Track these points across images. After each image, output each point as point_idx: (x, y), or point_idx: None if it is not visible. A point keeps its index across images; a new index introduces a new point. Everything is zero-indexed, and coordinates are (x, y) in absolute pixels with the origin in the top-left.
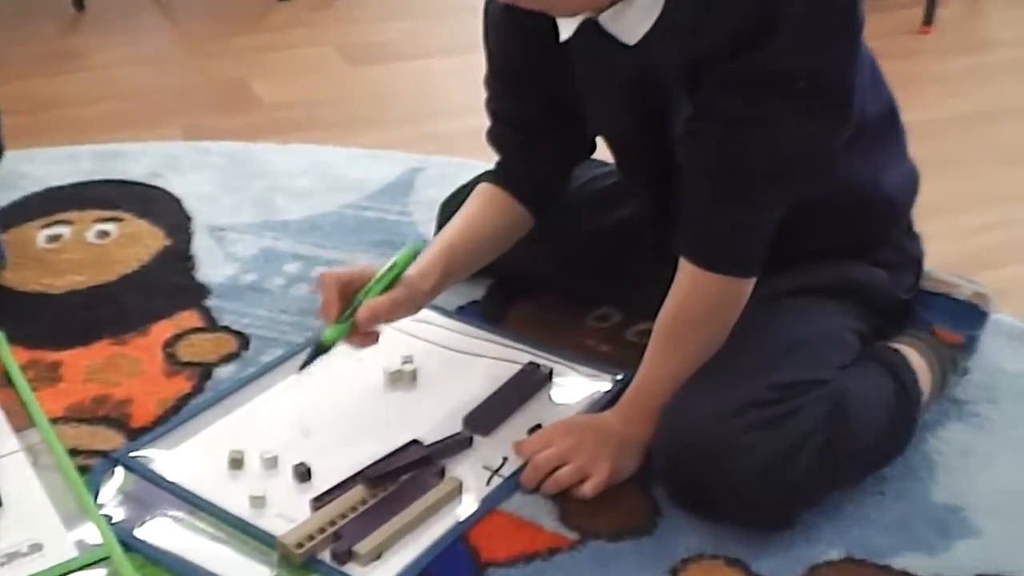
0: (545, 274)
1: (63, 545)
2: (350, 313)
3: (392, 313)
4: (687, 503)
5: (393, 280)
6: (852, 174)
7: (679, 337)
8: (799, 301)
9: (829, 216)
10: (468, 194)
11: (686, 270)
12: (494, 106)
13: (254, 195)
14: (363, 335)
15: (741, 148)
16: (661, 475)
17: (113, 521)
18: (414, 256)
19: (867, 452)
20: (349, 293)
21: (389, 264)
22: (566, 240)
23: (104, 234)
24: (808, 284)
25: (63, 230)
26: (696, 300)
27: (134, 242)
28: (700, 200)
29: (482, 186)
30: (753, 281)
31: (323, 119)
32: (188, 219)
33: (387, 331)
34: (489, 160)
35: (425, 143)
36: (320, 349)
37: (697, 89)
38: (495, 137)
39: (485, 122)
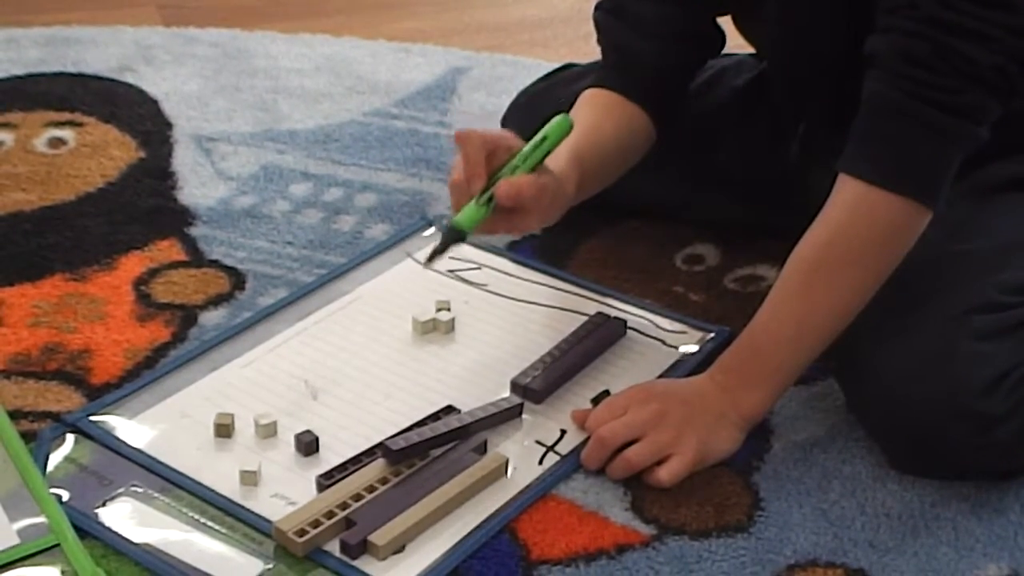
0: (664, 200)
1: (2, 530)
2: (489, 194)
3: (538, 197)
4: (891, 441)
5: (542, 159)
6: None
7: (826, 273)
8: (1015, 195)
9: None
10: (538, 102)
11: (850, 189)
12: None
13: (252, 97)
14: (501, 219)
15: (967, 36)
16: (852, 406)
17: (65, 501)
18: (567, 132)
19: None
20: (488, 165)
21: (538, 138)
22: (695, 158)
23: (58, 142)
24: (1021, 175)
25: (4, 136)
26: (859, 227)
27: (97, 153)
28: (888, 96)
29: (590, 93)
30: (927, 220)
31: (340, 2)
32: (168, 126)
33: (417, 271)
34: (552, 59)
35: (471, 36)
36: (455, 236)
37: None
38: (609, 23)
39: (547, 11)
